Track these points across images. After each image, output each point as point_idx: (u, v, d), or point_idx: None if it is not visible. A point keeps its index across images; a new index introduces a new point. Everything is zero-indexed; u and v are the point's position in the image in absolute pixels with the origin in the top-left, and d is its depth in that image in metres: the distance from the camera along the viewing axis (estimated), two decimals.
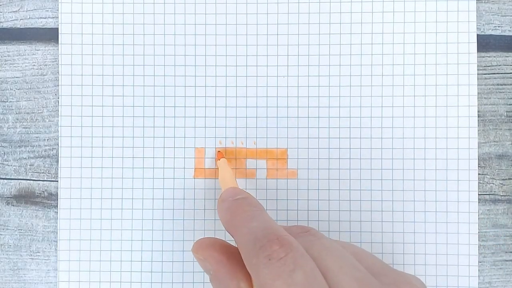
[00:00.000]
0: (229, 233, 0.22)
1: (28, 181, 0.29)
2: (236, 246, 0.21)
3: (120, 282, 0.28)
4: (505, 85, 0.29)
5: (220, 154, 0.28)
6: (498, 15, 0.29)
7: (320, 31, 0.29)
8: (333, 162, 0.28)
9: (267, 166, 0.29)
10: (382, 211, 0.28)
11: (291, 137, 0.28)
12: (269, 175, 0.29)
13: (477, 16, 0.29)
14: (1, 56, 0.29)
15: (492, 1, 0.29)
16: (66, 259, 0.28)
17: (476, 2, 0.29)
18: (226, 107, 0.29)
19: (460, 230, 0.28)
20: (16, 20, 0.29)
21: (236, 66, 0.29)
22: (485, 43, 0.29)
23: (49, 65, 0.29)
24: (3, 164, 0.29)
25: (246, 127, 0.29)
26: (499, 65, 0.29)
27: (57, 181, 0.29)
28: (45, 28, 0.29)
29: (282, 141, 0.29)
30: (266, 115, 0.28)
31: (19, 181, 0.29)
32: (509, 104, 0.29)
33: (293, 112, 0.28)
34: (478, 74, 0.29)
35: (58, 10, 0.29)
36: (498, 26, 0.29)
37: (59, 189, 0.28)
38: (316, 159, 0.28)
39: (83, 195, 0.28)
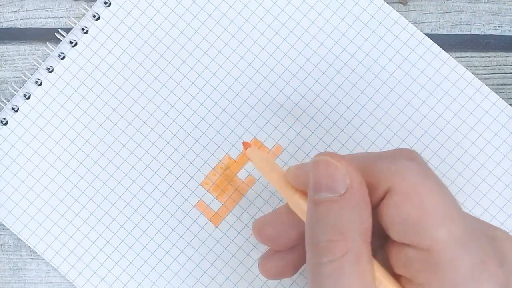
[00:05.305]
0: None
1: None
2: None
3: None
4: (505, 85, 0.29)
5: (246, 144, 0.26)
6: (498, 15, 0.29)
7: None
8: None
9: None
10: None
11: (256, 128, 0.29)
12: None
13: (477, 16, 0.29)
14: (1, 56, 0.29)
15: (492, 1, 0.29)
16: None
17: (476, 2, 0.29)
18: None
19: None
20: (16, 20, 0.29)
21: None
22: (485, 43, 0.29)
23: None
24: None
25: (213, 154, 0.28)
26: (499, 65, 0.29)
27: None
28: (45, 28, 0.29)
29: (247, 136, 0.29)
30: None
31: None
32: (510, 104, 0.29)
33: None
34: (478, 74, 0.29)
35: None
36: (498, 26, 0.29)
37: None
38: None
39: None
